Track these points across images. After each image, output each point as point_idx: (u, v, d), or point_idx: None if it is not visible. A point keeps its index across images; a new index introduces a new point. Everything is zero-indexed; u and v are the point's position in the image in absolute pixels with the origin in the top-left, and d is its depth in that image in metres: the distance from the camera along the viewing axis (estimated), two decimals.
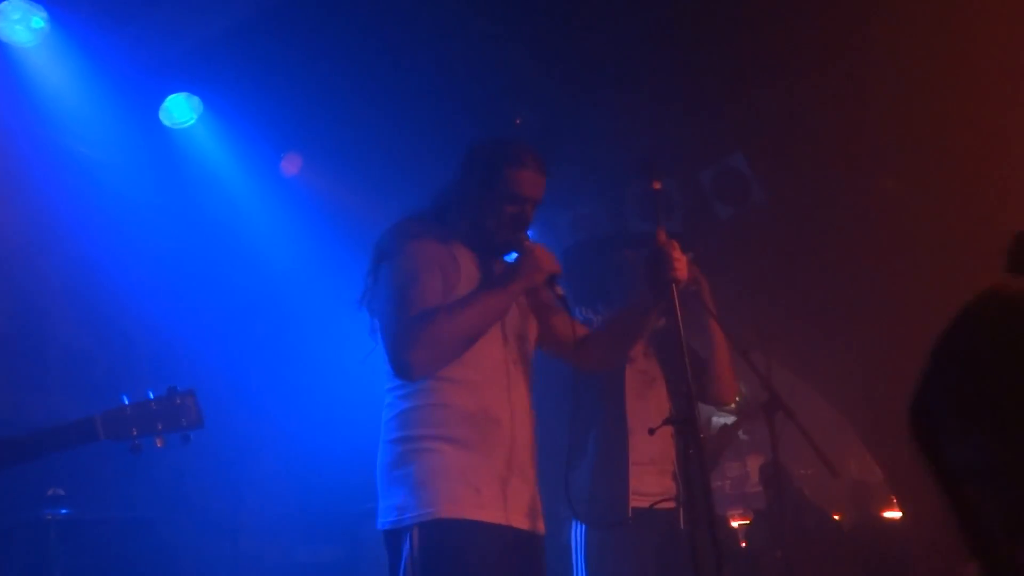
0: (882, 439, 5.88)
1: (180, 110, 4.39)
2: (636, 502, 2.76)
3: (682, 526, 2.76)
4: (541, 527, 2.14)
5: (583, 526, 2.86)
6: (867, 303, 5.05)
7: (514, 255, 2.22)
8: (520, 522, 2.06)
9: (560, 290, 2.14)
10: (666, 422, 2.03)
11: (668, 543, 2.73)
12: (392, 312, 2.00)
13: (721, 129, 4.66)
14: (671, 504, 2.77)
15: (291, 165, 4.76)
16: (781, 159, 4.71)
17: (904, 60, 4.08)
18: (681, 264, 2.11)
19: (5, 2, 3.60)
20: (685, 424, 1.99)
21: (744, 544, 5.77)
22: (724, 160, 4.77)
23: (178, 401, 2.10)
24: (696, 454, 1.97)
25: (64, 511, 3.29)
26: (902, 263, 4.77)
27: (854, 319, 5.18)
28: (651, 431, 2.09)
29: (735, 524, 7.08)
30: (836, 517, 6.88)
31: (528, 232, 2.97)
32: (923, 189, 4.58)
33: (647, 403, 2.89)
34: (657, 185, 2.26)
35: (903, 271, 4.80)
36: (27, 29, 3.71)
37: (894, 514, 6.91)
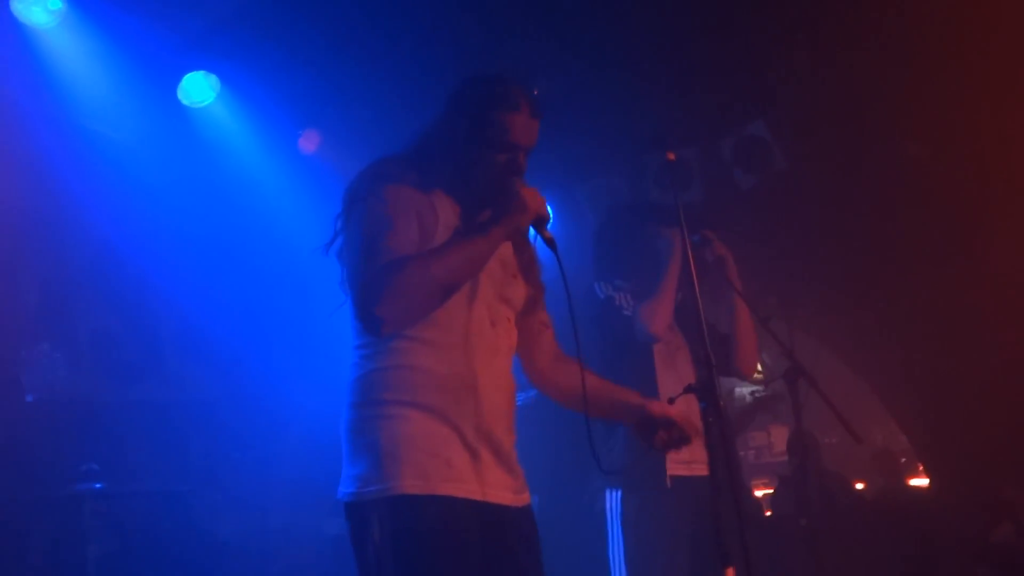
0: (907, 406, 5.84)
1: (198, 89, 4.41)
2: (673, 470, 2.77)
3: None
4: (524, 499, 1.95)
5: (618, 494, 2.88)
6: (891, 269, 4.99)
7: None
8: (498, 496, 1.87)
9: (549, 234, 1.89)
10: (687, 390, 2.03)
11: (705, 508, 2.74)
12: (360, 260, 1.78)
13: (742, 97, 4.60)
14: (705, 470, 2.78)
15: (309, 142, 4.76)
16: (803, 126, 4.65)
17: (929, 21, 3.99)
18: (538, 198, 1.84)
19: None
20: (705, 392, 1.99)
21: (769, 512, 5.77)
22: (745, 128, 4.71)
23: None
24: (716, 422, 1.97)
25: (97, 485, 3.37)
26: (926, 229, 4.70)
27: (878, 286, 5.13)
28: (671, 400, 2.08)
29: (759, 493, 7.09)
30: (861, 485, 6.88)
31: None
32: (948, 153, 4.50)
33: (674, 373, 2.90)
34: (672, 156, 2.22)
35: (927, 237, 4.74)
36: (45, 10, 3.74)
37: (920, 482, 6.89)
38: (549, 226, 1.91)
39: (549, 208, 1.90)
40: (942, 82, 4.16)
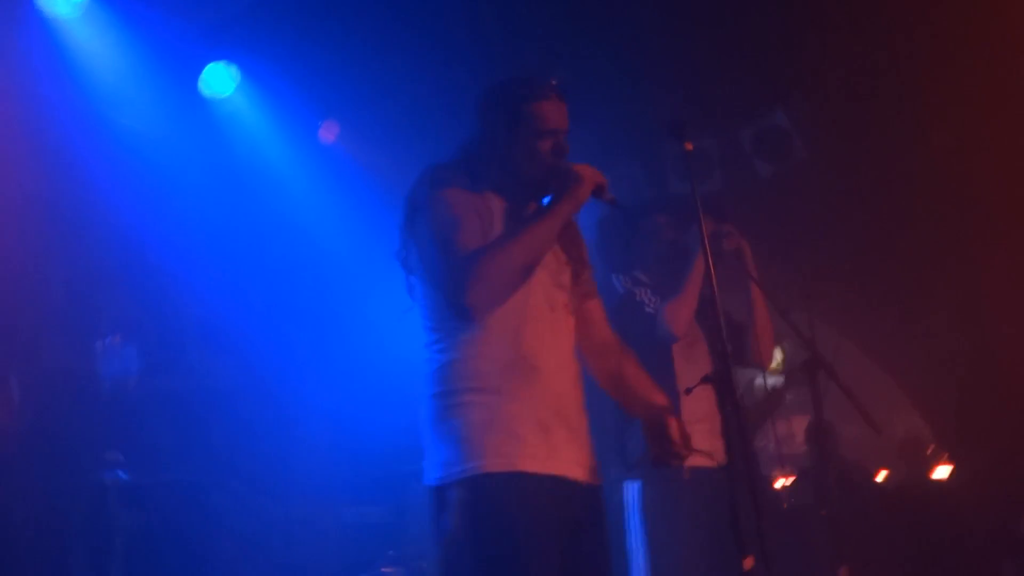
0: (930, 396, 5.79)
1: (218, 80, 4.43)
2: (692, 461, 2.74)
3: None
4: (596, 478, 2.07)
5: (638, 485, 2.88)
6: (914, 259, 4.94)
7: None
8: (570, 471, 1.99)
9: (611, 196, 2.05)
10: (703, 380, 2.02)
11: (723, 500, 2.73)
12: (440, 257, 1.93)
13: (761, 85, 4.56)
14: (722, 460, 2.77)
15: (329, 133, 4.78)
16: (824, 115, 4.60)
17: (956, 8, 3.93)
18: (592, 169, 2.02)
19: None
20: (721, 383, 1.98)
21: (787, 504, 5.75)
22: (765, 117, 4.67)
23: None
24: (733, 413, 1.97)
25: (122, 474, 3.41)
26: (950, 217, 4.65)
27: (900, 276, 5.08)
28: (687, 391, 2.08)
29: (779, 484, 7.05)
30: (882, 476, 6.82)
31: None
32: (973, 142, 4.43)
33: (692, 364, 2.91)
34: (689, 146, 2.21)
35: (951, 226, 4.68)
36: (67, 2, 3.77)
37: (943, 472, 6.82)
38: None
39: (604, 175, 2.05)
40: (969, 71, 4.10)
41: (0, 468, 3.60)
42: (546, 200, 2.11)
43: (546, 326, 2.04)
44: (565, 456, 1.98)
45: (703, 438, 2.75)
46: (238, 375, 4.84)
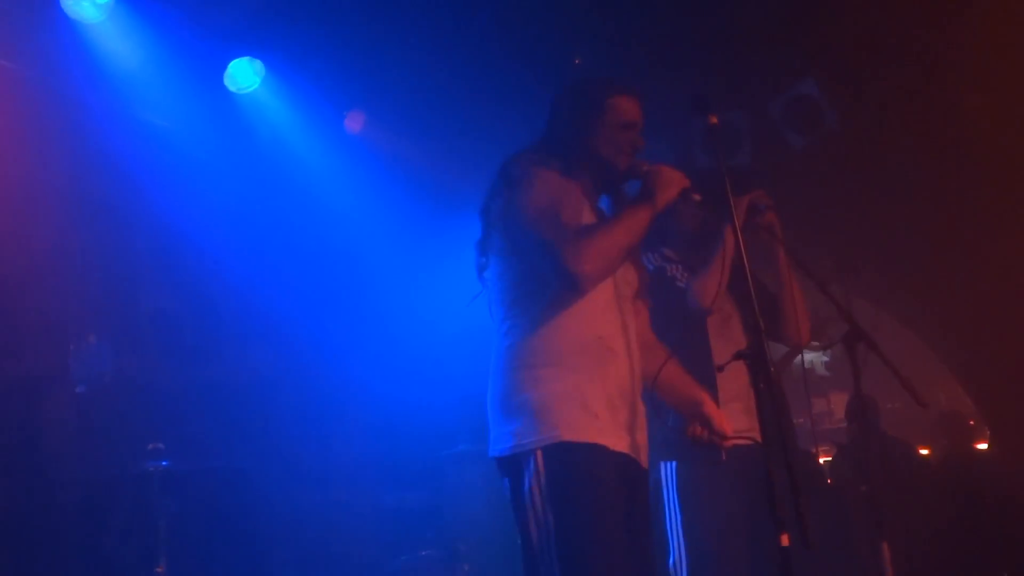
0: (972, 368, 5.68)
1: (244, 75, 4.47)
2: (728, 442, 2.73)
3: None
4: (646, 462, 2.18)
5: (674, 465, 2.87)
6: (954, 228, 4.83)
7: (634, 185, 2.26)
8: (632, 451, 2.10)
9: (697, 196, 2.18)
10: (736, 356, 2.00)
11: (760, 477, 2.71)
12: (550, 229, 2.02)
13: (790, 54, 4.46)
14: (759, 438, 2.75)
15: (354, 123, 4.80)
16: (855, 82, 4.50)
17: None
18: (675, 172, 2.16)
19: None
20: (755, 359, 1.96)
21: (829, 480, 5.69)
22: (795, 86, 4.57)
23: None
24: (767, 388, 1.94)
25: (165, 463, 3.49)
26: (988, 185, 4.53)
27: (937, 246, 4.97)
28: (720, 368, 2.07)
29: (822, 460, 6.98)
30: (925, 451, 6.72)
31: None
32: (1013, 105, 4.30)
33: (727, 341, 2.87)
34: (714, 120, 2.19)
35: (989, 194, 4.56)
36: (93, 5, 3.82)
37: (986, 445, 6.70)
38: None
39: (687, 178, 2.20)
40: (1002, 31, 3.97)
41: (49, 459, 3.71)
42: (630, 190, 2.28)
43: (618, 313, 2.15)
44: (628, 436, 2.09)
45: (739, 417, 2.74)
46: (276, 364, 4.92)
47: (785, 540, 1.87)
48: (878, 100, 4.49)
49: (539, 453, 1.98)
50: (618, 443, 2.05)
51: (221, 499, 3.90)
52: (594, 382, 2.05)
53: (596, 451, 2.00)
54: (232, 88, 4.45)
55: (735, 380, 2.69)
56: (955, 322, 5.36)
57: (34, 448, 3.72)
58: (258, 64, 4.46)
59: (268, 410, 4.67)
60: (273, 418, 4.64)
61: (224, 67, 4.38)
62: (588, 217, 2.15)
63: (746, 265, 2.01)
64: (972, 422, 6.87)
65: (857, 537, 3.58)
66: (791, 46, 4.42)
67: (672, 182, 2.15)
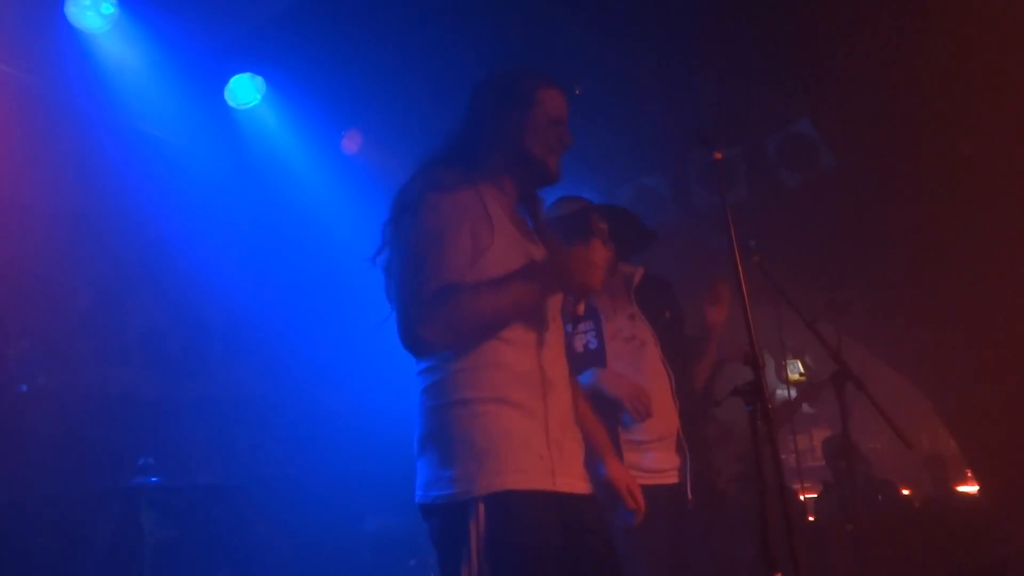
0: (957, 411, 5.70)
1: (245, 91, 4.48)
2: (645, 480, 2.63)
3: (689, 498, 2.76)
4: (591, 488, 2.03)
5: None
6: (941, 272, 4.88)
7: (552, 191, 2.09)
8: (578, 487, 1.95)
9: (582, 309, 1.98)
10: (734, 392, 2.00)
11: (677, 516, 2.72)
12: (412, 278, 1.82)
13: (787, 94, 4.52)
14: (675, 478, 2.77)
15: (352, 143, 4.81)
16: (850, 124, 4.56)
17: (980, 16, 3.89)
18: (592, 276, 1.87)
19: None
20: (752, 395, 1.96)
21: (812, 518, 5.68)
22: (791, 126, 4.63)
23: None
24: (764, 425, 1.94)
25: (154, 479, 3.44)
26: (978, 230, 4.58)
27: (928, 289, 5.01)
28: (716, 403, 2.07)
29: (802, 498, 6.97)
30: (907, 492, 6.73)
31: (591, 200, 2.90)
32: (1002, 153, 4.38)
33: (642, 371, 2.79)
34: (718, 155, 2.19)
35: (980, 239, 4.61)
36: (98, 15, 3.82)
37: (969, 488, 6.72)
38: None
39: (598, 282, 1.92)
40: (996, 80, 4.05)
41: (31, 473, 3.65)
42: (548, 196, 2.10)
43: (553, 340, 1.98)
44: (571, 471, 1.94)
45: (661, 455, 2.75)
46: (264, 382, 4.88)
47: None
48: (874, 142, 4.55)
49: (481, 504, 1.79)
50: (562, 482, 1.89)
51: (207, 516, 3.85)
52: (536, 418, 1.87)
53: (540, 499, 1.84)
54: (232, 103, 4.46)
55: (664, 421, 2.74)
56: (942, 364, 5.39)
57: (17, 461, 3.66)
58: (259, 80, 4.47)
59: (255, 428, 4.63)
60: (260, 436, 4.59)
61: (225, 82, 4.39)
62: (502, 236, 1.91)
63: (747, 303, 2.02)
64: (954, 466, 6.90)
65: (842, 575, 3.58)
66: (789, 85, 4.48)
67: (584, 282, 1.88)
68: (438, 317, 1.78)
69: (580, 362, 2.73)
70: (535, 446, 1.86)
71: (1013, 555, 4.53)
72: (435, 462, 1.87)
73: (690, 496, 2.75)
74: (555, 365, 1.95)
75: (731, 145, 4.68)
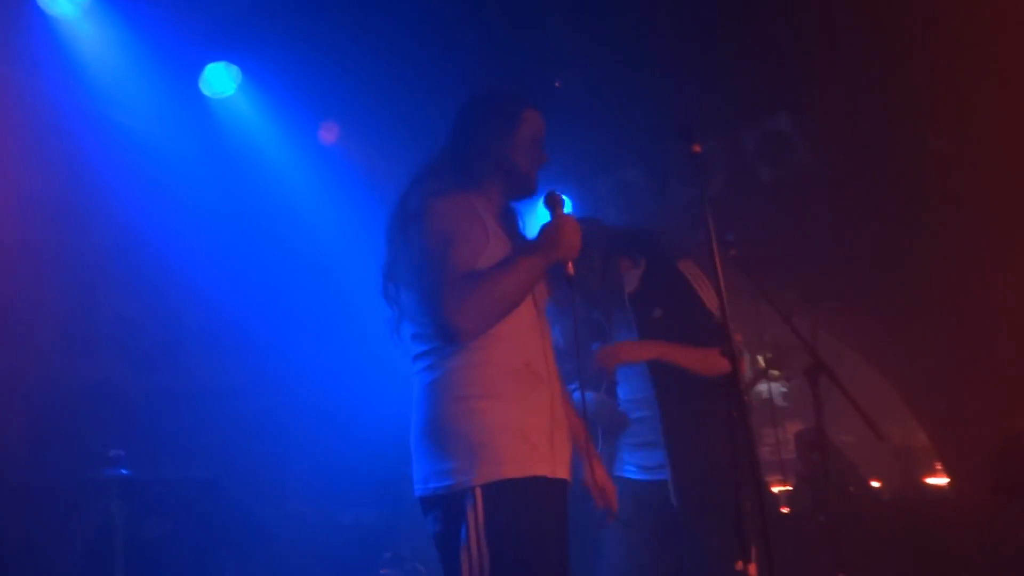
0: (928, 404, 5.79)
1: (220, 80, 4.42)
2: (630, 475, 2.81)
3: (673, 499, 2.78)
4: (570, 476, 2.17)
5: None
6: (915, 267, 4.94)
7: (542, 212, 2.21)
8: (565, 473, 2.08)
9: (571, 268, 2.10)
10: (711, 385, 2.01)
11: (660, 510, 2.77)
12: (433, 275, 1.97)
13: (765, 89, 4.55)
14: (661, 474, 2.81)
15: (329, 133, 4.77)
16: (827, 120, 4.60)
17: (957, 16, 3.94)
18: (573, 239, 2.04)
19: None
20: (728, 386, 1.97)
21: (786, 509, 5.74)
22: (768, 121, 4.66)
23: None
24: (741, 416, 1.96)
25: (124, 471, 3.40)
26: (951, 226, 4.65)
27: (902, 283, 5.08)
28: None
29: (775, 490, 7.05)
30: (877, 484, 6.83)
31: (566, 197, 2.93)
32: (974, 150, 4.44)
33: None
34: (697, 148, 2.21)
35: (952, 234, 4.68)
36: (70, 1, 3.75)
37: (939, 481, 6.83)
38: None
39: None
40: (969, 78, 4.10)
41: (2, 466, 3.59)
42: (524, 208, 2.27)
43: (539, 334, 2.12)
44: (561, 459, 2.06)
45: (651, 453, 2.78)
46: (238, 374, 4.83)
47: (753, 571, 1.88)
48: (849, 137, 4.59)
49: (479, 492, 1.91)
50: (556, 470, 2.02)
51: (180, 510, 3.81)
52: (529, 411, 2.01)
53: (536, 485, 1.95)
54: (207, 93, 4.40)
55: (646, 424, 2.78)
56: (915, 357, 5.46)
57: None
58: (235, 70, 4.41)
59: (229, 420, 4.58)
60: (234, 428, 4.55)
61: (200, 71, 4.33)
62: (494, 238, 2.08)
63: (723, 294, 2.03)
64: (921, 458, 7.01)
65: (815, 567, 3.61)
66: (767, 80, 4.51)
67: (573, 243, 2.06)
68: (468, 303, 1.92)
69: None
70: (529, 436, 1.98)
71: (981, 544, 4.61)
72: (433, 456, 1.99)
73: (674, 497, 2.73)
74: (543, 360, 2.07)
75: (709, 139, 4.70)
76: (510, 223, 2.22)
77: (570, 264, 2.08)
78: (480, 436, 1.94)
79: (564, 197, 2.15)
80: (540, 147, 2.22)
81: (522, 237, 2.23)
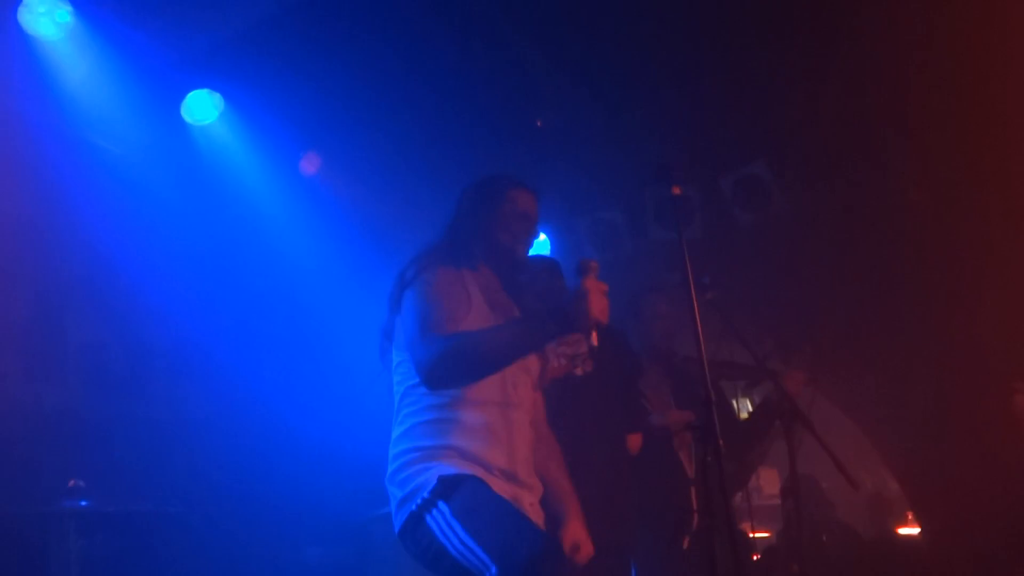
0: (900, 452, 5.80)
1: (201, 107, 4.40)
2: None
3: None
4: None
5: None
6: (889, 315, 4.98)
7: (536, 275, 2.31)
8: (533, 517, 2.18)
9: (595, 339, 2.12)
10: (687, 428, 2.00)
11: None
12: (419, 333, 2.16)
13: (743, 135, 4.62)
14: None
15: (310, 165, 4.76)
16: (803, 168, 4.66)
17: (933, 68, 4.03)
18: (602, 304, 2.07)
19: None
20: (703, 431, 1.95)
21: (758, 557, 5.69)
22: (746, 166, 4.72)
23: None
24: (715, 462, 1.94)
25: (83, 503, 3.30)
26: (925, 275, 4.70)
27: (875, 331, 5.11)
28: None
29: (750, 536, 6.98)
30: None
31: (548, 237, 3.01)
32: (949, 201, 4.51)
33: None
34: (677, 190, 2.23)
35: (926, 283, 4.73)
36: (53, 23, 3.74)
37: (910, 530, 6.81)
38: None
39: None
40: (945, 129, 4.18)
41: None
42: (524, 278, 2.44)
43: (507, 400, 2.25)
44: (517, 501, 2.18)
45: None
46: (205, 405, 4.74)
47: None
48: (826, 184, 4.65)
49: (437, 487, 2.09)
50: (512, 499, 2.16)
51: (139, 544, 3.69)
52: (480, 463, 2.17)
53: (492, 476, 2.14)
54: (188, 119, 4.38)
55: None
56: (886, 406, 5.48)
57: None
58: (217, 97, 4.40)
59: (194, 452, 4.48)
60: (201, 461, 4.45)
61: (182, 96, 4.31)
62: (476, 309, 2.25)
63: (701, 339, 2.02)
64: (892, 506, 6.99)
65: None
66: (746, 126, 4.57)
67: (597, 312, 2.06)
68: (446, 358, 2.10)
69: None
70: (492, 470, 2.16)
71: None
72: (400, 496, 2.18)
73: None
74: (507, 422, 2.23)
75: (687, 182, 4.75)
76: (506, 295, 2.39)
77: (594, 334, 2.11)
78: (440, 468, 2.13)
79: (594, 263, 2.12)
80: (526, 222, 2.40)
81: (535, 304, 2.41)
